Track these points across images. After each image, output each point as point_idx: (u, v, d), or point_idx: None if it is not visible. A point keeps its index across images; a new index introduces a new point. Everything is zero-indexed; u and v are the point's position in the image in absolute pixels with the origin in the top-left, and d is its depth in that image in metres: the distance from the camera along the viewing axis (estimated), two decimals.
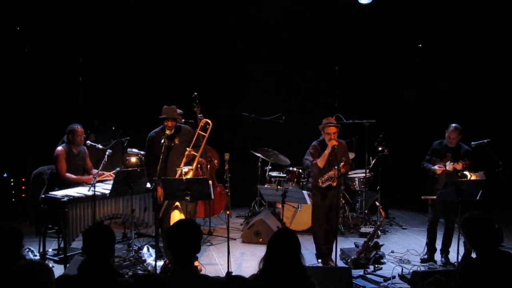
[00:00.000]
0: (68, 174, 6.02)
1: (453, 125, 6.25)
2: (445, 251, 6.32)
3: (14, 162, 8.39)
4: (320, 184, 5.87)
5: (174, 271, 3.14)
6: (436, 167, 6.19)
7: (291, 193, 5.58)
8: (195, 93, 6.77)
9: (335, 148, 5.75)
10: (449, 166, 6.08)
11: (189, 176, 5.61)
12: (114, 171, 6.11)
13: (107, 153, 5.93)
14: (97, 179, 5.68)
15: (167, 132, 5.69)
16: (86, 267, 3.03)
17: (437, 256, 6.37)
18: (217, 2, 9.18)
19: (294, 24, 9.46)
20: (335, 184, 5.81)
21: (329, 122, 5.90)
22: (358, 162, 8.16)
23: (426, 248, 6.41)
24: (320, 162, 5.85)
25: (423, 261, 6.30)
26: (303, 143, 6.37)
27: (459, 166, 6.03)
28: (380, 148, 7.89)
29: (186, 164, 5.78)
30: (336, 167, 5.68)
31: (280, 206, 6.13)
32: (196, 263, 5.87)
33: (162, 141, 5.61)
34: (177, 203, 5.70)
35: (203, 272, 5.52)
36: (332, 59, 9.34)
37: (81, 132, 6.15)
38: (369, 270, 5.77)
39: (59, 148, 6.06)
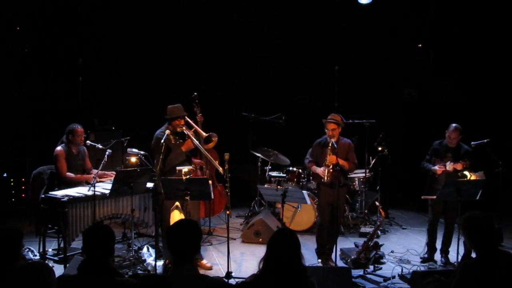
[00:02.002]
0: (68, 174, 6.02)
1: (453, 125, 6.25)
2: (444, 251, 6.32)
3: (14, 162, 8.38)
4: (325, 178, 5.88)
5: (174, 271, 3.14)
6: (436, 167, 6.19)
7: (291, 193, 5.58)
8: (195, 93, 6.77)
9: (335, 146, 5.79)
10: (449, 166, 6.08)
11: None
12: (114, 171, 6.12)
13: (107, 153, 5.91)
14: (97, 179, 5.67)
15: (179, 129, 5.75)
16: (86, 267, 3.03)
17: (437, 256, 6.38)
18: (217, 2, 9.18)
19: (294, 24, 9.45)
20: (331, 171, 5.81)
21: (330, 118, 5.93)
22: (358, 162, 8.14)
23: (426, 248, 6.42)
24: (313, 169, 6.07)
25: (423, 260, 6.31)
26: (303, 143, 6.38)
27: (459, 166, 6.03)
28: (380, 148, 7.89)
29: (186, 162, 5.82)
30: (330, 150, 5.75)
31: (280, 206, 6.13)
32: (203, 262, 5.89)
33: (162, 140, 5.62)
34: (177, 203, 5.71)
35: (201, 271, 5.52)
36: (332, 59, 9.34)
37: (81, 132, 6.14)
38: (369, 270, 5.78)
39: (59, 148, 6.05)
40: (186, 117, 5.99)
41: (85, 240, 3.15)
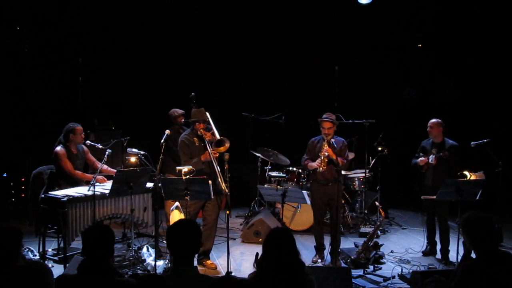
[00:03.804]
0: (77, 171, 6.03)
1: (433, 119, 6.39)
2: (443, 250, 6.33)
3: (14, 162, 8.38)
4: (320, 168, 5.90)
5: (174, 271, 3.14)
6: (419, 160, 6.32)
7: (291, 193, 5.59)
8: (192, 94, 6.75)
9: (333, 144, 5.86)
10: (432, 159, 6.16)
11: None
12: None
13: (106, 153, 5.91)
14: (98, 181, 5.68)
15: (199, 133, 5.76)
16: (86, 267, 3.03)
17: (437, 255, 6.40)
18: (217, 2, 9.18)
19: (294, 24, 9.45)
20: (326, 160, 5.84)
21: (326, 116, 5.96)
22: (358, 162, 8.15)
23: (427, 242, 6.54)
24: (310, 166, 6.07)
25: (424, 253, 6.45)
26: (303, 143, 6.38)
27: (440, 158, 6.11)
28: (380, 148, 7.90)
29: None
30: (325, 140, 5.82)
31: (280, 206, 6.13)
32: (209, 262, 5.89)
33: (162, 141, 5.62)
34: (177, 203, 5.71)
35: (206, 272, 5.53)
36: (332, 59, 9.33)
37: (80, 130, 6.14)
38: (368, 270, 5.78)
39: (58, 148, 6.04)
40: (208, 118, 5.96)
41: (85, 240, 3.15)
